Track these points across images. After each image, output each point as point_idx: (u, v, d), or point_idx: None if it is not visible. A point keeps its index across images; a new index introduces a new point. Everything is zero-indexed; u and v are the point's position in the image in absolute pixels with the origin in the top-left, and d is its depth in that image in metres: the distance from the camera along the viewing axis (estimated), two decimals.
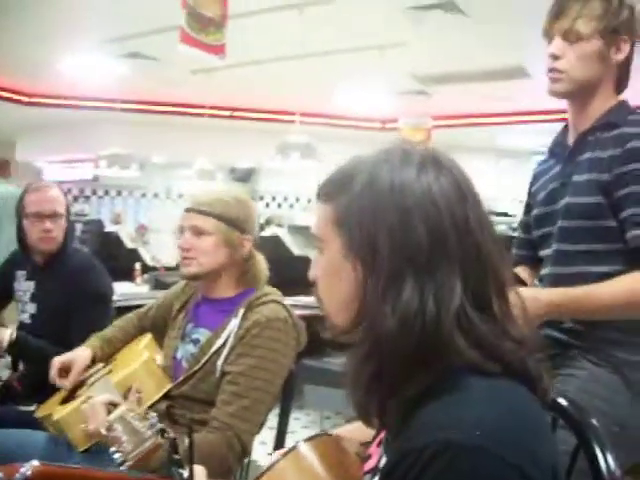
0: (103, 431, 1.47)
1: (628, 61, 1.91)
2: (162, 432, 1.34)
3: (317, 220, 1.10)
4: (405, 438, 0.91)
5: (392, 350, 0.94)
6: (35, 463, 1.18)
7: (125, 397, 2.03)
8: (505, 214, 8.83)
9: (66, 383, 2.32)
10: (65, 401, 2.27)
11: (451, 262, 0.97)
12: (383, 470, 0.97)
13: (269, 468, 1.16)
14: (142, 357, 2.23)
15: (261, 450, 2.27)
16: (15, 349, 2.73)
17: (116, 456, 1.39)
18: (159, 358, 2.28)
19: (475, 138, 10.24)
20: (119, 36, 6.63)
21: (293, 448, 1.20)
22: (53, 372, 2.33)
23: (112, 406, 1.67)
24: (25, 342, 2.73)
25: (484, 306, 0.98)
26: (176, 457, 1.21)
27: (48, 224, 2.82)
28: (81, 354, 2.36)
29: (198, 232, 2.17)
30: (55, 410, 2.22)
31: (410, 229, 0.97)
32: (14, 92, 9.33)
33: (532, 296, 1.65)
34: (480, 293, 0.98)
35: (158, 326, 2.41)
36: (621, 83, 1.93)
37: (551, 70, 1.91)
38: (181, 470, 1.17)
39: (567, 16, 1.87)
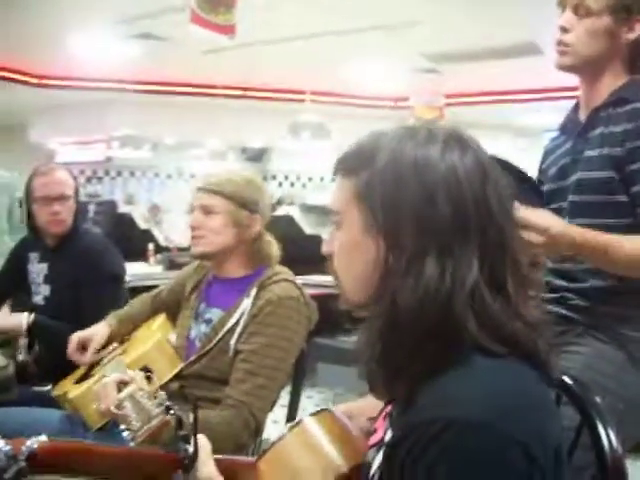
0: (113, 409, 1.49)
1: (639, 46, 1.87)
2: (168, 409, 1.37)
3: (336, 194, 1.10)
4: (412, 413, 0.93)
5: (410, 324, 0.96)
6: (42, 438, 1.20)
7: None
8: None
9: (84, 359, 2.36)
10: (80, 380, 2.31)
11: (471, 241, 0.98)
12: (389, 443, 0.98)
13: (275, 442, 1.18)
14: (155, 337, 2.25)
15: (273, 428, 2.29)
16: (34, 332, 2.76)
17: (125, 434, 1.42)
18: (173, 338, 2.30)
19: (490, 116, 10.17)
20: (130, 17, 6.62)
21: (298, 422, 1.22)
22: (71, 348, 2.37)
23: (123, 385, 1.69)
24: (43, 324, 2.76)
25: (499, 286, 0.99)
26: (181, 433, 1.23)
27: (56, 207, 2.83)
28: (99, 331, 2.39)
29: (207, 211, 2.18)
30: (70, 389, 2.25)
31: (434, 206, 0.98)
32: (25, 74, 9.35)
33: (570, 235, 1.67)
34: (496, 273, 0.99)
35: (172, 307, 2.43)
36: (634, 64, 1.91)
37: (558, 43, 1.91)
38: (187, 445, 1.19)
39: None
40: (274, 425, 2.33)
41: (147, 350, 2.19)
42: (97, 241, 3.02)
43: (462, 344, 0.95)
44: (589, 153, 1.86)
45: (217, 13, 4.70)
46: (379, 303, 1.00)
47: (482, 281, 0.97)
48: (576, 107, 2.02)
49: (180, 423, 1.27)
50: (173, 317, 2.41)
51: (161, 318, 2.43)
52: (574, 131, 1.97)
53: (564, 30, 1.89)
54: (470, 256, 0.97)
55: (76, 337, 2.38)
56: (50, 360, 2.46)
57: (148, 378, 1.94)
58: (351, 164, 1.07)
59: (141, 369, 2.09)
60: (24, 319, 2.74)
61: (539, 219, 1.63)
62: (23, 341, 2.79)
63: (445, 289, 0.95)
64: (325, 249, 1.13)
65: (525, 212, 1.58)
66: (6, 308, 3.31)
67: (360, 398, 1.50)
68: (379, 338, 0.99)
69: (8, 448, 1.14)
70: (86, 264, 2.82)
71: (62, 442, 1.24)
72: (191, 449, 1.19)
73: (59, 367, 2.46)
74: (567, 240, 1.66)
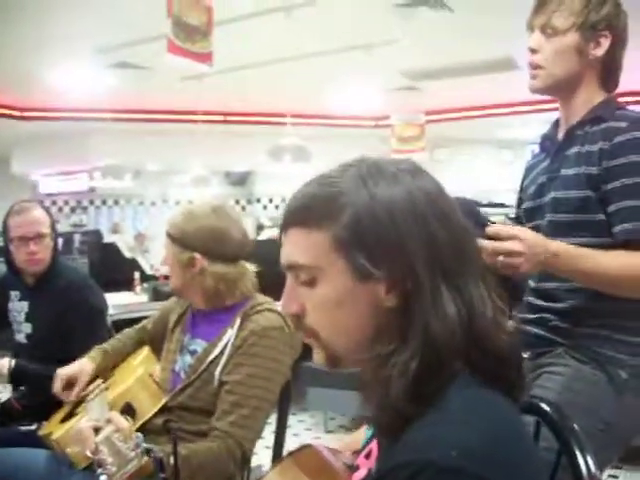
0: (89, 454, 1.48)
1: (614, 57, 1.89)
2: (148, 452, 1.35)
3: (300, 249, 1.03)
4: (390, 455, 0.92)
5: (446, 356, 0.94)
6: None
7: (122, 413, 2.04)
8: (502, 205, 8.83)
9: (70, 397, 2.33)
10: (65, 419, 2.29)
11: (469, 262, 1.00)
12: None
13: None
14: (137, 373, 2.24)
15: (266, 454, 2.29)
16: (16, 377, 2.73)
17: (102, 478, 1.41)
18: (157, 370, 2.29)
19: (471, 130, 10.25)
20: (107, 47, 6.64)
21: (280, 461, 1.21)
22: (57, 386, 2.33)
23: (103, 425, 1.68)
24: (24, 370, 2.74)
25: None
26: (162, 476, 1.22)
27: (32, 247, 2.82)
28: (84, 368, 2.37)
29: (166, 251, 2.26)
30: (54, 429, 2.23)
31: (432, 233, 0.97)
32: (6, 107, 9.37)
33: (542, 240, 1.68)
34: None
35: (156, 339, 2.42)
36: (609, 80, 1.92)
37: (530, 64, 1.93)
38: None
39: (546, 10, 1.89)
40: (267, 450, 2.33)
41: (129, 386, 2.18)
42: (78, 277, 2.99)
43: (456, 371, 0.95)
44: (565, 172, 1.87)
45: (194, 41, 4.69)
46: (405, 344, 0.95)
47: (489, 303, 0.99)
48: (556, 124, 2.03)
49: (161, 464, 1.26)
50: (157, 349, 2.39)
51: (144, 352, 2.41)
52: (552, 149, 1.98)
53: (533, 51, 1.91)
54: (473, 278, 0.99)
55: (61, 375, 2.35)
56: (34, 400, 2.43)
57: (129, 414, 1.93)
58: (311, 214, 1.01)
59: (124, 405, 2.08)
60: (5, 364, 2.71)
61: (511, 229, 1.65)
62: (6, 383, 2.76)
63: (463, 311, 0.96)
64: (289, 309, 1.06)
65: (496, 226, 1.62)
66: None
67: (350, 420, 1.49)
68: (415, 378, 0.94)
69: None
70: (68, 301, 2.80)
71: None
72: None
73: (44, 406, 2.43)
74: (541, 247, 1.67)
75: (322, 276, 1.01)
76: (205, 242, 2.17)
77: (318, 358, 1.07)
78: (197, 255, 2.16)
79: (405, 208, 0.97)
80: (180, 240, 2.18)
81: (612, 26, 1.85)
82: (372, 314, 0.99)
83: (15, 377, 2.73)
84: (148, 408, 2.12)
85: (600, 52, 1.86)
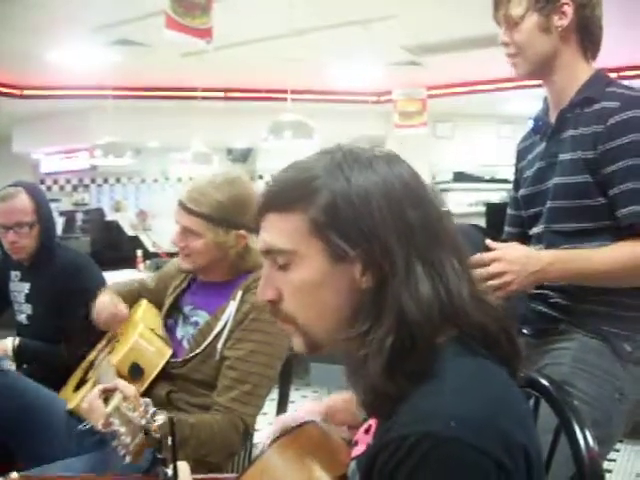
0: (101, 427, 1.49)
1: (587, 21, 1.85)
2: (147, 433, 1.36)
3: (276, 233, 1.05)
4: (387, 428, 0.94)
5: (421, 333, 0.96)
6: (13, 475, 1.19)
7: (129, 375, 2.04)
8: (505, 180, 8.80)
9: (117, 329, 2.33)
10: (79, 385, 2.32)
11: (441, 241, 1.02)
12: (365, 458, 0.99)
13: (257, 458, 1.18)
14: (137, 330, 2.19)
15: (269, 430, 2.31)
16: (20, 355, 2.76)
17: (118, 449, 1.42)
18: (159, 322, 2.27)
19: (472, 105, 10.19)
20: (107, 23, 6.60)
21: (278, 438, 1.22)
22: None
23: (111, 392, 1.69)
24: (28, 347, 2.78)
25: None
26: (160, 456, 1.23)
27: (11, 236, 2.83)
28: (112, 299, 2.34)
29: (188, 231, 2.12)
30: (69, 397, 2.28)
31: (404, 214, 1.00)
32: (6, 86, 9.32)
33: (534, 253, 1.72)
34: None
35: (156, 297, 2.40)
36: (587, 48, 1.89)
37: (506, 56, 1.93)
38: (166, 469, 1.19)
39: (502, 3, 1.90)
40: (270, 427, 2.34)
41: (132, 345, 2.14)
42: (77, 259, 2.99)
43: (441, 346, 0.97)
44: (563, 156, 1.86)
45: (193, 17, 4.66)
46: (379, 323, 0.98)
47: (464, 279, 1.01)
48: (545, 105, 2.02)
49: (160, 446, 1.26)
50: (156, 305, 2.38)
51: (142, 306, 2.37)
52: (546, 132, 1.97)
53: (505, 44, 1.92)
54: (449, 259, 1.01)
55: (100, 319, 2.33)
56: (38, 377, 2.46)
57: (137, 374, 1.93)
58: (288, 198, 1.04)
59: (130, 366, 2.07)
60: (9, 343, 2.75)
61: (494, 253, 1.68)
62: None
63: (441, 290, 0.98)
64: (265, 295, 1.08)
65: (478, 256, 1.65)
66: None
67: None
68: (390, 356, 0.96)
69: None
70: (66, 282, 2.82)
71: (34, 477, 1.23)
72: (170, 472, 1.18)
73: (47, 382, 2.44)
74: (534, 259, 1.70)
75: (299, 259, 1.04)
76: (248, 215, 2.04)
77: (297, 344, 1.09)
78: (243, 232, 2.10)
79: (379, 191, 1.00)
80: (226, 220, 2.09)
81: None
82: (349, 296, 1.02)
83: (19, 356, 2.76)
84: (155, 364, 2.11)
85: (566, 21, 1.83)
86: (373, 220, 0.99)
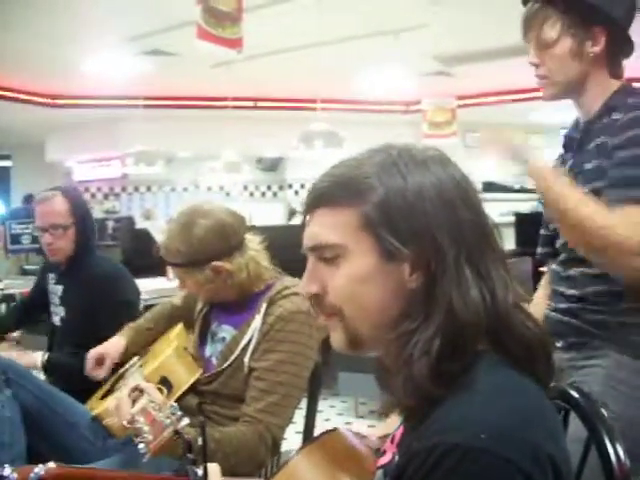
0: (126, 424, 1.50)
1: (614, 47, 1.83)
2: (177, 433, 1.37)
3: (328, 228, 1.04)
4: (417, 437, 0.93)
5: (471, 334, 0.96)
6: (50, 465, 1.20)
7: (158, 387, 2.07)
8: (535, 190, 8.74)
9: (100, 373, 2.41)
10: (105, 395, 2.36)
11: (490, 244, 1.03)
12: (394, 468, 0.99)
13: (284, 464, 1.18)
14: (171, 346, 2.26)
15: (296, 438, 2.30)
16: (49, 370, 2.80)
17: (140, 446, 1.43)
18: (191, 346, 2.31)
19: (502, 115, 10.14)
20: (139, 34, 6.70)
21: (305, 445, 1.22)
22: (89, 365, 2.42)
23: (139, 392, 1.71)
24: (57, 362, 2.81)
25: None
26: (190, 456, 1.23)
27: (47, 237, 2.89)
28: (114, 345, 2.44)
29: (178, 277, 2.23)
30: (95, 405, 2.31)
31: (457, 215, 1.00)
32: (40, 95, 9.47)
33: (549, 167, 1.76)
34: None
35: (186, 315, 2.46)
36: (615, 69, 1.87)
37: (536, 77, 1.92)
38: (196, 469, 1.20)
39: (534, 25, 1.87)
40: (298, 435, 2.34)
41: (164, 360, 2.20)
42: (103, 269, 3.00)
43: (483, 355, 0.97)
44: (587, 165, 1.84)
45: (224, 27, 4.69)
46: (427, 323, 0.97)
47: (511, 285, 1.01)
48: (576, 123, 2.01)
49: (190, 446, 1.27)
50: (187, 325, 2.43)
51: (178, 328, 2.44)
52: (573, 147, 1.96)
53: (535, 65, 1.90)
54: (495, 264, 1.01)
55: (93, 353, 2.43)
56: (67, 389, 2.49)
57: (166, 388, 1.96)
58: (341, 194, 1.03)
59: (160, 380, 2.10)
60: (39, 357, 2.79)
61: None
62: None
63: (487, 294, 0.98)
64: (309, 289, 1.08)
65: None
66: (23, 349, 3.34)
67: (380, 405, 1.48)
68: (437, 357, 0.95)
69: (15, 476, 1.15)
70: (92, 293, 2.86)
71: (68, 468, 1.24)
72: (200, 472, 1.19)
73: (75, 394, 2.48)
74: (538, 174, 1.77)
75: (348, 254, 1.03)
76: (214, 246, 2.11)
77: (337, 340, 1.07)
78: (217, 263, 2.12)
79: (434, 192, 1.00)
80: (191, 262, 2.12)
81: (602, 14, 1.79)
82: (396, 294, 1.01)
83: (47, 370, 2.80)
84: (184, 380, 2.14)
85: (599, 48, 1.81)
86: (426, 218, 0.98)
